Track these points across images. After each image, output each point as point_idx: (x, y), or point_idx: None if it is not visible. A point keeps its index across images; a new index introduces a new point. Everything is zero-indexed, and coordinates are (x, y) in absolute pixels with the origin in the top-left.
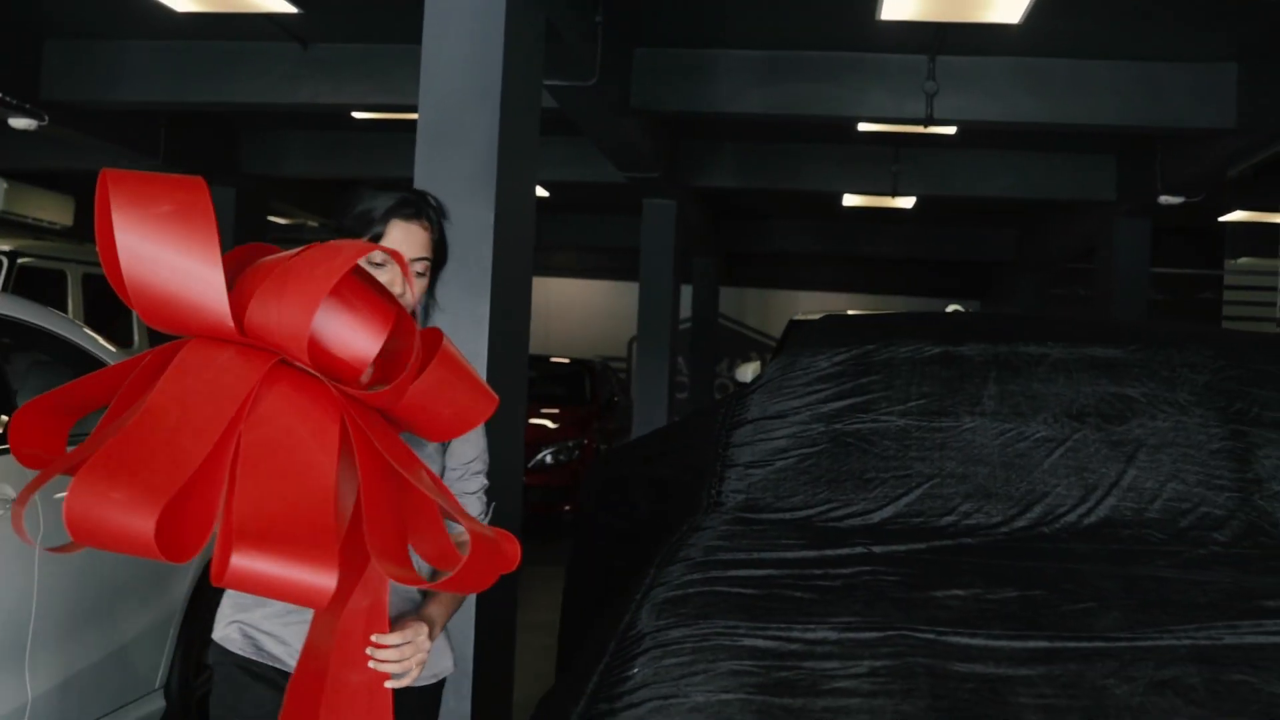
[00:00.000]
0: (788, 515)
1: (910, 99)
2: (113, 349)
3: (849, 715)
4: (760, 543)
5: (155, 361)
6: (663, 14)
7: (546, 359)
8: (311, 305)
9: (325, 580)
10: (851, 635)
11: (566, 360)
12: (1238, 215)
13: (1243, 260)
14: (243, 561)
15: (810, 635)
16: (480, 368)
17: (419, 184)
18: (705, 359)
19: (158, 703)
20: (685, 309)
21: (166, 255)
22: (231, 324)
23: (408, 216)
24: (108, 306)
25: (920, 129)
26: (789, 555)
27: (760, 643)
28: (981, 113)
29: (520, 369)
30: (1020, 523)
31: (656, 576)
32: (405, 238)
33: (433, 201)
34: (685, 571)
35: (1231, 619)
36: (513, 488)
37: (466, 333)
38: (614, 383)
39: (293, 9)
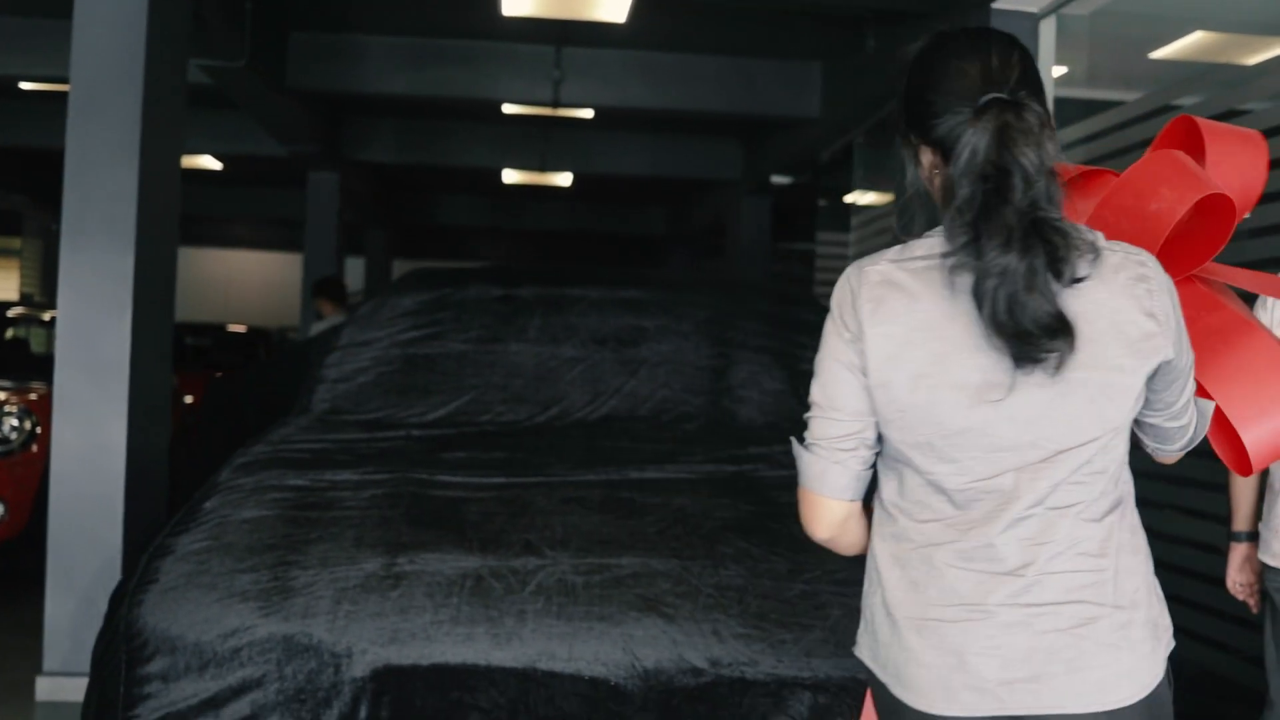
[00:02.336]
0: (361, 417)
1: (540, 85)
2: None
3: (347, 519)
4: (327, 431)
5: None
6: (311, 1)
7: (223, 328)
8: None
9: None
10: (367, 477)
11: (243, 329)
12: (857, 195)
13: (829, 237)
14: None
15: (336, 478)
16: (124, 330)
17: (70, 152)
18: None
19: None
20: (360, 281)
21: None
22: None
23: None
24: None
25: (559, 111)
26: (345, 437)
27: (301, 483)
28: (602, 98)
29: (165, 330)
30: (540, 419)
31: (239, 452)
32: None
33: None
34: (261, 447)
35: (644, 465)
36: (160, 446)
37: (111, 293)
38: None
39: None
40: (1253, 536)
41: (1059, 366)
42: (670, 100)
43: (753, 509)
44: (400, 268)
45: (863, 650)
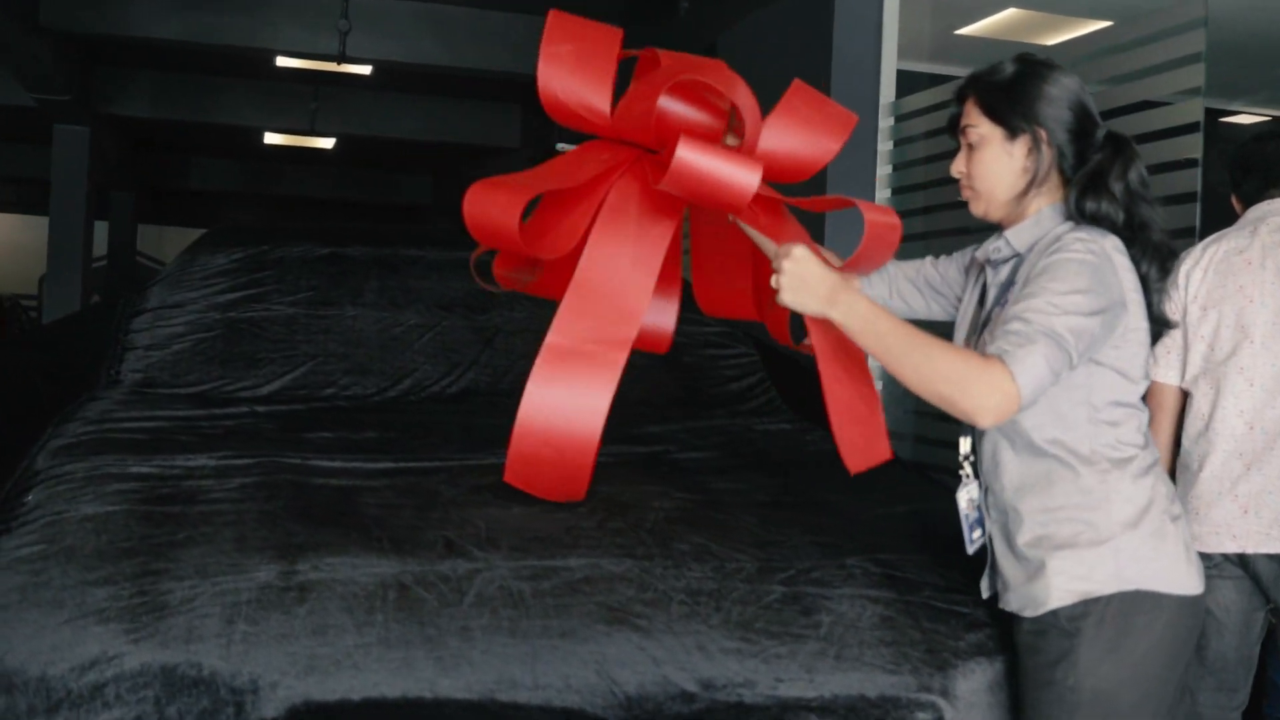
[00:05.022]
0: (183, 390)
1: (325, 36)
2: None
3: (220, 515)
4: (154, 406)
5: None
6: None
7: None
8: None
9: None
10: (228, 463)
11: None
12: None
13: None
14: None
15: (191, 464)
16: None
17: None
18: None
19: None
20: (101, 246)
21: (566, 80)
22: (607, 118)
23: None
24: None
25: (335, 67)
26: (179, 413)
27: (146, 470)
28: (391, 53)
29: None
30: (392, 393)
31: (52, 433)
32: None
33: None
34: (80, 426)
35: None
36: None
37: None
38: (24, 320)
39: None
40: None
41: None
42: (460, 58)
43: (689, 497)
44: (145, 234)
45: (1161, 583)
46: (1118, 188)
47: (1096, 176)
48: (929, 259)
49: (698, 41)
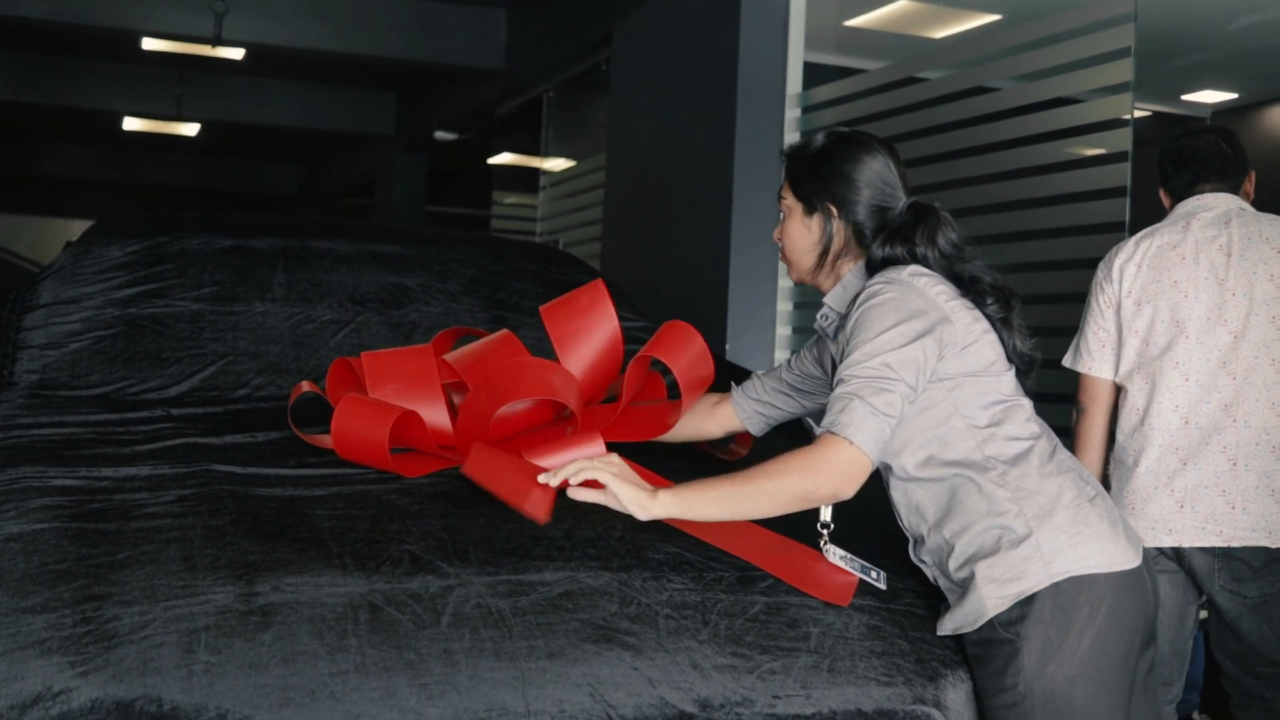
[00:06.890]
0: (85, 392)
1: (199, 17)
2: None
3: (161, 533)
4: (60, 411)
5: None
6: None
7: None
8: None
9: None
10: (159, 473)
11: None
12: (505, 158)
13: (509, 200)
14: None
15: (119, 474)
16: None
17: None
18: None
19: None
20: None
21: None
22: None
23: None
24: None
25: (207, 51)
26: (91, 418)
27: (70, 482)
28: (270, 36)
29: None
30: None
31: None
32: None
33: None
34: None
35: None
36: None
37: None
38: None
39: None
40: None
41: None
42: (344, 43)
43: None
44: None
45: (1091, 564)
46: (928, 251)
47: (894, 233)
48: (784, 364)
49: (591, 31)
